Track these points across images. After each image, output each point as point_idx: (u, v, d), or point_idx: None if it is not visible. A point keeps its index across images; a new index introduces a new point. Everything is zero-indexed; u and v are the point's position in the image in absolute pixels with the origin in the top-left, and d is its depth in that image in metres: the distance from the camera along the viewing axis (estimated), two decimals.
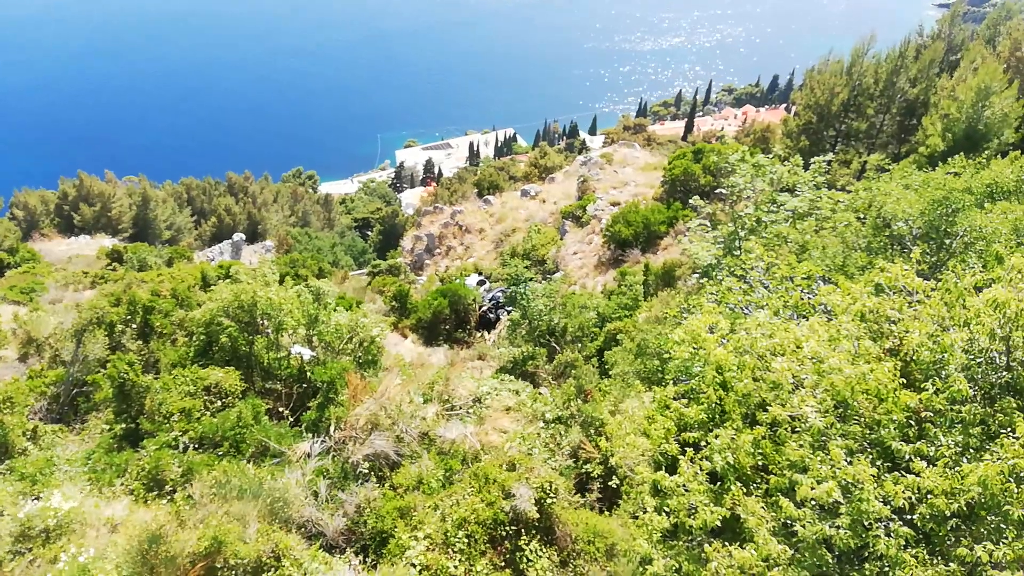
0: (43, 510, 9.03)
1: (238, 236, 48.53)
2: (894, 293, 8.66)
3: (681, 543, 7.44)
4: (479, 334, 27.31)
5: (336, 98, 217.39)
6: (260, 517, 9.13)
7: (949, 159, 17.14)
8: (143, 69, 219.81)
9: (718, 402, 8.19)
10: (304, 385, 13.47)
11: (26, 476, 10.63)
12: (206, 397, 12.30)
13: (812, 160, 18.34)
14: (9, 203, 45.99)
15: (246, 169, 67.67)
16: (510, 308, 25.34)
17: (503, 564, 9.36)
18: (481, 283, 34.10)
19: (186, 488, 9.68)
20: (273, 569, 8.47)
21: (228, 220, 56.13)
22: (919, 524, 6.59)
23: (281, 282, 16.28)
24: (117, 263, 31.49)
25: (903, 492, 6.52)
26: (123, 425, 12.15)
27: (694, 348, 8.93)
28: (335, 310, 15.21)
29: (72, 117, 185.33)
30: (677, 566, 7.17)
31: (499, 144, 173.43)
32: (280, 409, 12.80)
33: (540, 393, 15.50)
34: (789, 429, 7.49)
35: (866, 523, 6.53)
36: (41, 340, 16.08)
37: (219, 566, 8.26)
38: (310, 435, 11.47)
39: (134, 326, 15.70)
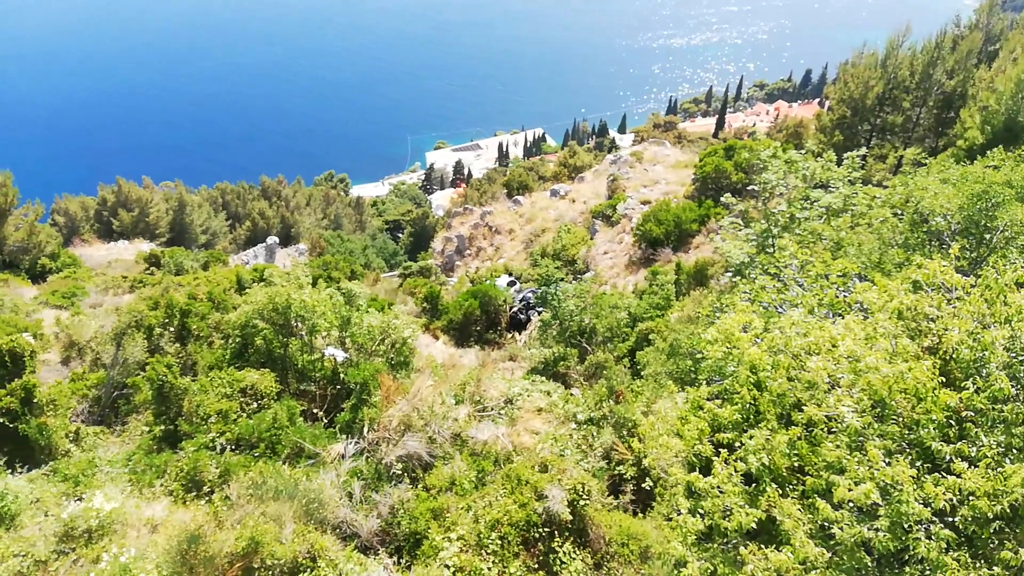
0: (86, 511, 9.23)
1: (272, 239, 49.16)
2: (932, 290, 8.50)
3: (716, 546, 7.38)
4: (510, 335, 27.32)
5: (365, 101, 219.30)
6: (296, 518, 9.24)
7: (988, 152, 16.75)
8: (173, 77, 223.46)
9: (752, 402, 8.11)
10: (338, 386, 13.60)
11: (69, 477, 10.88)
12: (242, 399, 12.47)
13: (846, 155, 18.07)
14: (51, 209, 47.08)
15: (279, 173, 68.51)
16: (541, 309, 25.31)
17: (536, 566, 9.35)
18: (511, 284, 34.14)
19: (223, 489, 9.82)
20: (309, 570, 8.56)
21: (262, 224, 56.89)
22: (961, 527, 6.45)
23: (314, 284, 16.46)
24: (155, 267, 32.09)
25: (944, 494, 6.39)
26: (162, 427, 12.37)
27: (728, 348, 8.86)
28: (367, 312, 15.33)
29: (107, 125, 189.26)
30: (712, 569, 7.11)
31: (528, 144, 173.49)
32: (314, 410, 12.93)
33: (572, 394, 15.48)
34: (825, 430, 7.39)
35: (906, 525, 6.41)
36: (82, 344, 16.45)
37: (256, 566, 8.37)
38: (344, 436, 11.58)
39: (172, 329, 15.99)
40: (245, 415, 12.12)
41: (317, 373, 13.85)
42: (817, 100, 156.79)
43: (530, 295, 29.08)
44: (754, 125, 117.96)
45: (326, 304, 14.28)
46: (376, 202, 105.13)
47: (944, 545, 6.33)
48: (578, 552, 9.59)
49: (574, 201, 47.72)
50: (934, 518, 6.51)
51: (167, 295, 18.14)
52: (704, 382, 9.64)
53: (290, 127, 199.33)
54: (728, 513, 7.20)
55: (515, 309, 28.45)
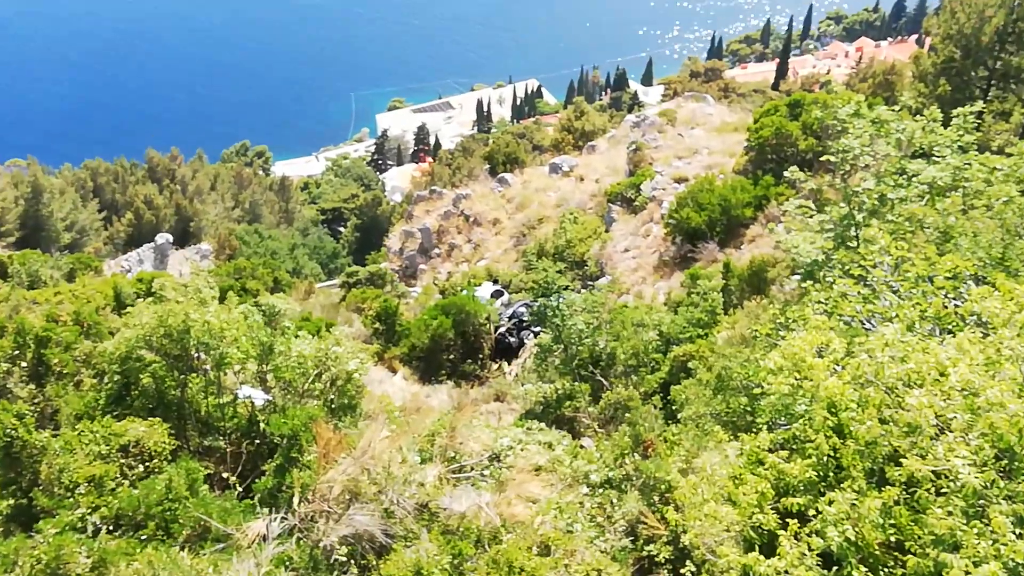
0: None
1: (163, 238, 49.00)
2: None
3: None
4: (495, 365, 27.19)
5: (293, 45, 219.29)
6: None
7: None
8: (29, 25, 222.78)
9: (832, 454, 8.12)
10: (256, 441, 13.51)
11: None
12: (124, 460, 12.38)
13: (955, 112, 18.17)
14: None
15: (172, 146, 68.42)
16: (538, 329, 25.22)
17: None
18: (497, 295, 34.04)
19: None
20: None
21: (149, 216, 56.74)
22: None
23: (222, 300, 16.37)
24: None
25: None
26: (10, 501, 12.26)
27: (797, 379, 8.88)
28: (297, 336, 15.26)
29: None
30: None
31: (518, 102, 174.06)
32: (224, 474, 12.85)
33: (582, 446, 15.44)
34: (933, 490, 7.40)
35: None
36: None
37: None
38: (266, 510, 11.51)
39: (24, 364, 15.85)
40: (128, 483, 12.03)
41: (228, 423, 13.76)
42: (914, 37, 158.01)
43: (523, 310, 29.02)
44: (828, 72, 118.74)
45: (239, 327, 14.22)
46: (308, 184, 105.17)
47: None
48: None
49: (582, 179, 47.81)
50: None
51: (16, 317, 18.00)
52: (765, 427, 9.63)
53: (187, 85, 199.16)
54: None
55: (503, 329, 28.36)
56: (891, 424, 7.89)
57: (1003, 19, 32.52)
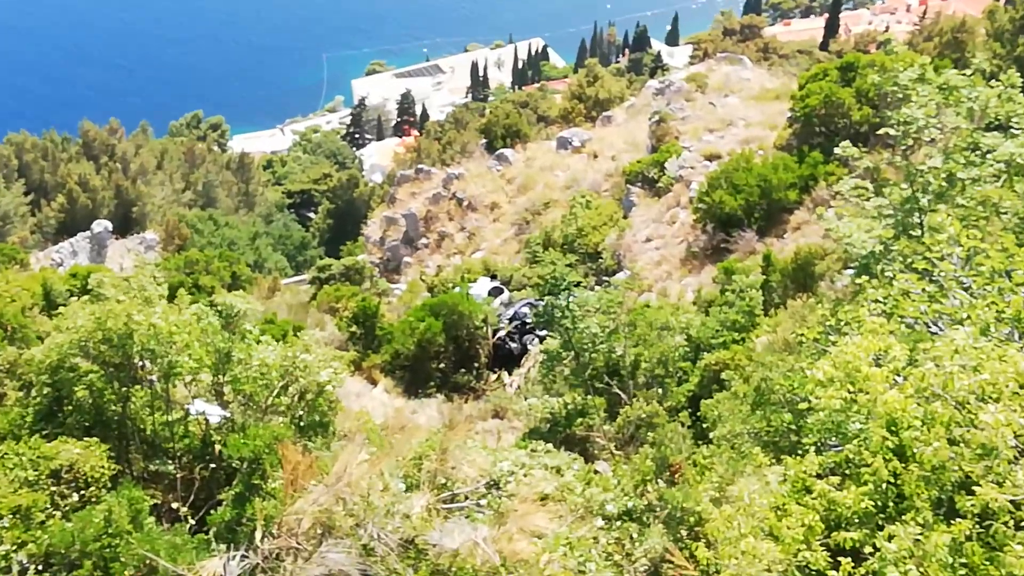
0: None
1: (101, 226, 48.92)
2: None
3: None
4: (494, 375, 27.17)
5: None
6: None
7: None
8: None
9: (892, 480, 8.11)
10: (211, 465, 13.52)
11: None
12: (55, 488, 12.38)
13: None
14: None
15: (112, 117, 68.36)
16: (544, 333, 25.18)
17: None
18: (496, 292, 33.99)
19: None
20: None
21: (84, 200, 56.67)
22: None
23: (171, 299, 16.38)
24: None
25: None
26: None
27: (850, 392, 8.87)
28: (259, 342, 15.26)
29: None
30: None
31: (520, 65, 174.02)
32: (174, 505, 12.85)
33: (596, 472, 15.44)
34: (1011, 523, 7.39)
35: None
36: None
37: None
38: (223, 546, 11.50)
39: None
40: (60, 514, 12.04)
41: (177, 444, 13.76)
42: None
43: (526, 311, 28.99)
44: (887, 29, 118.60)
45: (191, 331, 14.22)
46: (272, 162, 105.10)
47: None
48: None
49: (596, 156, 47.79)
50: None
51: None
52: (812, 448, 9.62)
53: (128, 46, 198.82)
54: None
55: (502, 334, 28.35)
56: (962, 445, 7.87)
57: None
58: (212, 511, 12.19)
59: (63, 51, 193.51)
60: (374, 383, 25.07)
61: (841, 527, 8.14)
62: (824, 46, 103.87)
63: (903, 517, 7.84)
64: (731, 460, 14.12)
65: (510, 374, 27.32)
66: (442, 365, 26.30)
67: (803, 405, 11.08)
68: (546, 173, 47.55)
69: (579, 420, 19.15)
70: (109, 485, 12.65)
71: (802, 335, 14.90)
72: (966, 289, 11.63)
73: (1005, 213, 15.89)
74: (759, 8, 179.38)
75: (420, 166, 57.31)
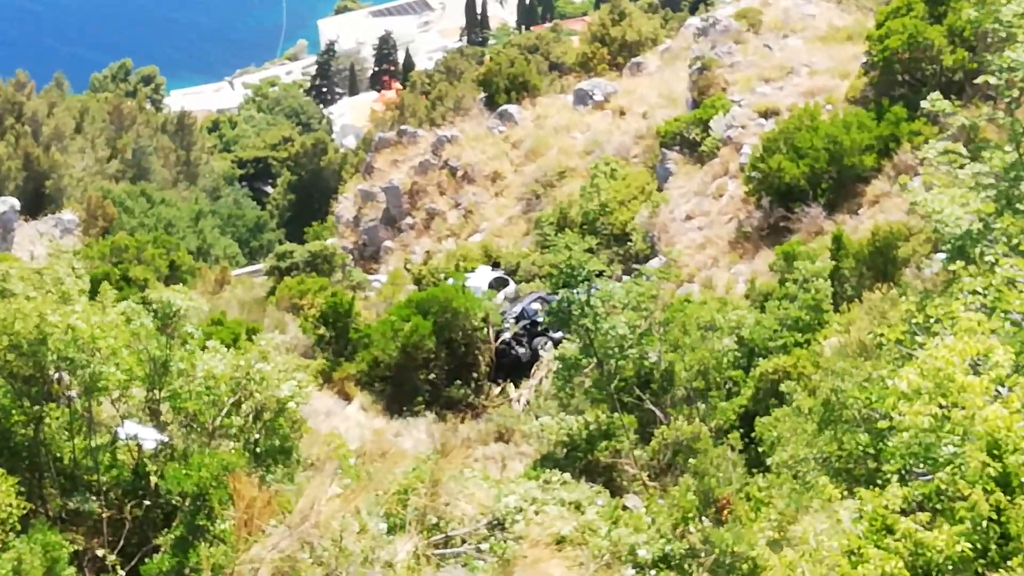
0: None
1: (6, 204, 48.90)
2: None
3: None
4: (497, 388, 27.16)
5: None
6: None
7: None
8: None
9: (994, 517, 8.09)
10: (146, 502, 13.51)
11: None
12: None
13: None
14: None
15: (19, 69, 68.39)
16: (559, 334, 25.11)
17: None
18: (499, 284, 33.99)
19: None
20: None
21: None
22: None
23: (93, 295, 16.40)
24: None
25: None
26: None
27: (942, 407, 8.85)
28: (205, 349, 15.25)
29: None
30: None
31: (528, 0, 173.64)
32: (100, 552, 12.85)
33: (626, 507, 15.46)
34: None
35: None
36: None
37: None
38: None
39: None
40: None
41: (104, 476, 13.75)
42: None
43: (537, 307, 29.03)
44: None
45: (119, 335, 14.21)
46: (220, 123, 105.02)
47: None
48: None
49: (623, 113, 47.75)
50: None
51: None
52: (895, 477, 9.61)
53: None
54: None
55: (507, 336, 28.36)
56: None
57: None
58: (147, 559, 12.20)
59: None
60: (348, 399, 25.06)
61: (932, 574, 8.14)
62: None
63: (1008, 563, 7.83)
64: (793, 493, 14.13)
65: (517, 386, 27.34)
66: (432, 376, 26.28)
67: (883, 423, 11.07)
68: (561, 135, 47.51)
69: (603, 444, 19.16)
70: (19, 527, 12.64)
71: (882, 335, 14.89)
72: None
73: None
74: None
75: (404, 127, 57.32)
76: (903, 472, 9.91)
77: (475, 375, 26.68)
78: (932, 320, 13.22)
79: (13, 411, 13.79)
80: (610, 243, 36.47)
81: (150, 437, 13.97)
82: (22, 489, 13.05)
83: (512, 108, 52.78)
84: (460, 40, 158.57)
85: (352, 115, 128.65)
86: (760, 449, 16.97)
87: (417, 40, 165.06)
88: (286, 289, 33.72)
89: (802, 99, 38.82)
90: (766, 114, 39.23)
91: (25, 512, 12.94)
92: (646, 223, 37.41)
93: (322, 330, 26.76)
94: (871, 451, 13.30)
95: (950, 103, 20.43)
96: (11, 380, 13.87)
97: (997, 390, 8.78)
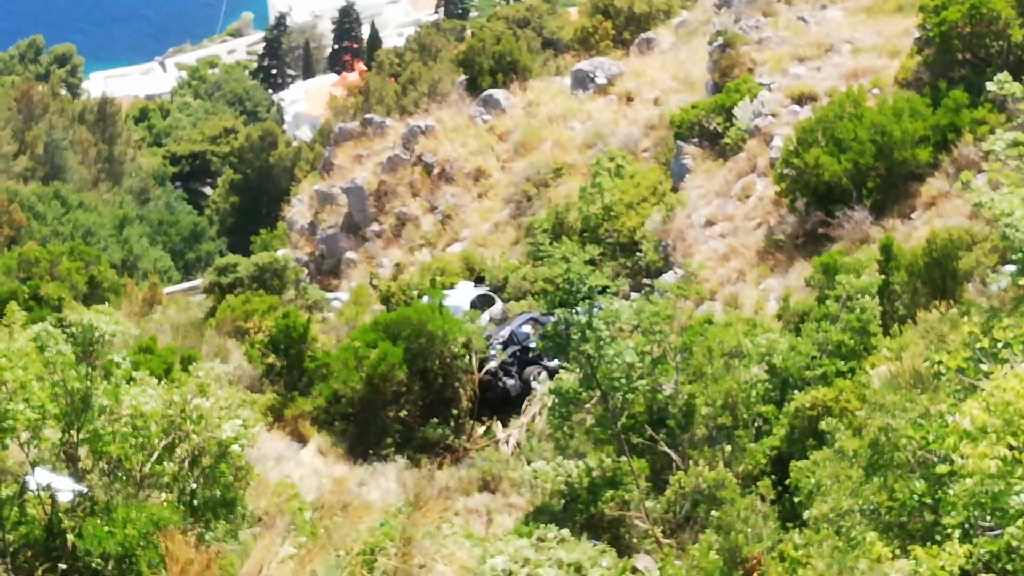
0: None
1: None
2: None
3: None
4: (481, 427, 27.17)
5: None
6: None
7: None
8: None
9: None
10: (61, 565, 13.51)
11: None
12: None
13: None
14: None
15: None
16: (555, 363, 25.12)
17: None
18: (483, 302, 34.09)
19: None
20: None
21: None
22: None
23: None
24: None
25: None
26: None
27: (1012, 448, 8.86)
28: (131, 381, 15.25)
29: None
30: None
31: None
32: None
33: (635, 569, 15.49)
34: None
35: None
36: None
37: None
38: None
39: None
40: None
41: (10, 534, 13.76)
42: None
43: (529, 330, 29.05)
44: None
45: (29, 365, 14.21)
46: (149, 111, 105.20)
47: None
48: None
49: (631, 99, 47.91)
50: None
51: None
52: (957, 532, 9.64)
53: None
54: None
55: (494, 365, 28.37)
56: None
57: None
58: None
59: None
60: (303, 440, 25.04)
61: None
62: None
63: None
64: (836, 551, 14.14)
65: (505, 425, 27.36)
66: (404, 412, 26.27)
67: (942, 468, 11.09)
68: (556, 125, 47.64)
69: (609, 493, 19.17)
70: None
71: (940, 363, 14.92)
72: None
73: None
74: None
75: (369, 116, 57.41)
76: (966, 526, 9.91)
77: (455, 412, 26.67)
78: (1000, 344, 13.25)
79: None
80: (616, 254, 36.59)
81: (66, 487, 13.95)
82: None
83: (498, 93, 52.83)
84: (435, 12, 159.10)
85: (307, 102, 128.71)
86: (796, 499, 16.99)
87: (384, 12, 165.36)
88: (228, 310, 33.71)
89: (844, 82, 38.88)
90: (801, 100, 39.28)
91: None
92: (658, 230, 37.47)
93: (271, 358, 26.69)
94: (928, 501, 13.32)
95: (1020, 86, 20.51)
96: None
97: None
